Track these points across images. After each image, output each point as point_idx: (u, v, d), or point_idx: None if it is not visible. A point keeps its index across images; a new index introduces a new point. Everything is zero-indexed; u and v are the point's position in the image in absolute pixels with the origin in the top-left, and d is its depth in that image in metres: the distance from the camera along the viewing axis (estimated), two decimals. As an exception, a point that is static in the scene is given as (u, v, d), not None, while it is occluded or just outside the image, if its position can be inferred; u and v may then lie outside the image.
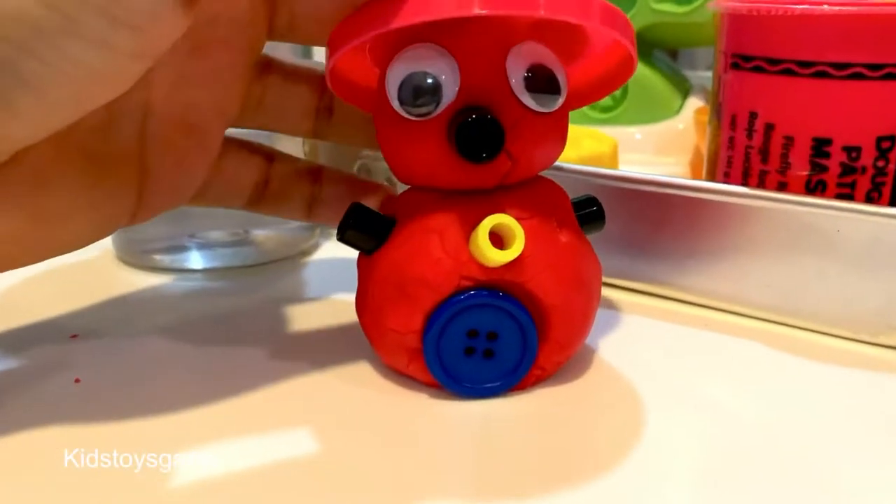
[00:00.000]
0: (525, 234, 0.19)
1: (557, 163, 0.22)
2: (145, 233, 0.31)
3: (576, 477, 0.18)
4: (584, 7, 0.18)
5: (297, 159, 0.26)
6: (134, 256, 0.31)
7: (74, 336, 0.25)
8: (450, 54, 0.19)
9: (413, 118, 0.20)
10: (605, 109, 0.46)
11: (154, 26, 0.17)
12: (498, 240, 0.20)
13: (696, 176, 0.39)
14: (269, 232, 0.32)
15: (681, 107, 0.46)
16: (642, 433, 0.20)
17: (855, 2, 0.24)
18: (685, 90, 0.47)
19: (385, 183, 0.28)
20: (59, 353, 0.24)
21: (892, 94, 0.25)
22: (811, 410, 0.21)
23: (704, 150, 0.30)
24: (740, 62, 0.27)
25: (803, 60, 0.25)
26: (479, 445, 0.20)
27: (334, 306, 0.28)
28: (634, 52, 0.20)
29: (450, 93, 0.19)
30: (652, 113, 0.45)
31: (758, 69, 0.26)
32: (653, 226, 0.27)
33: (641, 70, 0.45)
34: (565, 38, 0.21)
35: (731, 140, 0.27)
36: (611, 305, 0.27)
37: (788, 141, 0.26)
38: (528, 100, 0.19)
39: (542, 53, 0.20)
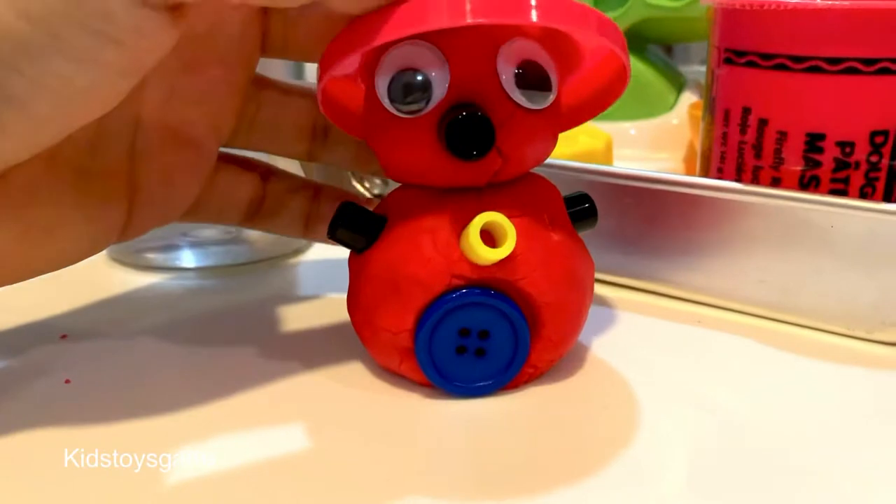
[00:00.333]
0: (517, 231, 0.19)
1: (550, 159, 0.22)
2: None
3: (569, 475, 0.18)
4: (577, 15, 0.18)
5: (294, 176, 0.26)
6: (126, 255, 0.31)
7: (64, 336, 0.25)
8: (440, 51, 0.19)
9: (403, 116, 0.19)
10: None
11: (140, 42, 0.16)
12: (489, 238, 0.20)
13: (690, 171, 0.39)
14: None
15: (675, 102, 0.46)
16: (636, 431, 0.19)
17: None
18: (679, 85, 0.47)
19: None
20: (48, 354, 0.24)
21: (885, 89, 0.24)
22: (806, 407, 0.21)
23: (698, 146, 0.30)
24: (733, 57, 0.26)
25: (796, 55, 0.25)
26: (471, 444, 0.20)
27: (327, 305, 0.27)
28: (628, 64, 0.20)
29: (440, 90, 0.19)
30: (646, 108, 0.45)
31: (751, 64, 0.26)
32: (646, 222, 0.27)
33: (636, 65, 0.45)
34: (558, 53, 0.20)
35: (725, 135, 0.27)
36: (604, 302, 0.27)
37: (782, 136, 0.26)
38: (518, 97, 0.19)
39: (532, 50, 0.20)
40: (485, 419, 0.20)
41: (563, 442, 0.19)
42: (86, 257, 0.22)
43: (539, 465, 0.18)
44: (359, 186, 0.33)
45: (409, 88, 0.19)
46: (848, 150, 0.25)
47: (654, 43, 0.48)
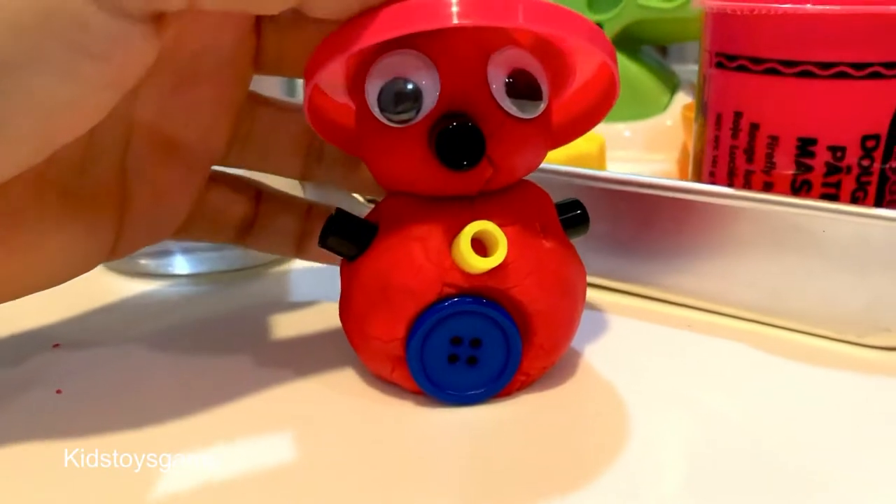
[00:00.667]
0: (508, 240, 0.19)
1: (542, 164, 0.22)
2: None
3: (562, 482, 0.18)
4: (565, 21, 0.18)
5: (286, 195, 0.26)
6: (118, 262, 0.31)
7: (57, 345, 0.25)
8: (430, 60, 0.19)
9: (394, 125, 0.19)
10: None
11: (119, 54, 0.16)
12: (481, 246, 0.20)
13: (683, 173, 0.39)
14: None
15: (669, 102, 0.46)
16: (628, 436, 0.20)
17: (839, 0, 0.24)
18: (673, 86, 0.47)
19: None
20: (41, 363, 0.24)
21: (876, 94, 0.25)
22: (797, 411, 0.21)
23: (691, 149, 0.30)
24: (724, 61, 0.26)
25: (788, 60, 0.25)
26: (463, 452, 0.20)
27: (320, 312, 0.27)
28: (617, 74, 0.20)
29: (430, 99, 0.19)
30: (640, 109, 0.45)
31: (742, 68, 0.26)
32: (638, 226, 0.27)
33: (629, 66, 0.45)
34: (548, 68, 0.20)
35: (717, 139, 0.27)
36: (596, 306, 0.27)
37: (773, 140, 0.26)
38: (509, 105, 0.19)
39: (523, 59, 0.20)
40: (477, 427, 0.20)
41: (555, 449, 0.19)
42: (75, 276, 0.21)
43: (532, 472, 0.18)
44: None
45: (399, 97, 0.19)
46: (839, 154, 0.25)
47: (648, 44, 0.48)
